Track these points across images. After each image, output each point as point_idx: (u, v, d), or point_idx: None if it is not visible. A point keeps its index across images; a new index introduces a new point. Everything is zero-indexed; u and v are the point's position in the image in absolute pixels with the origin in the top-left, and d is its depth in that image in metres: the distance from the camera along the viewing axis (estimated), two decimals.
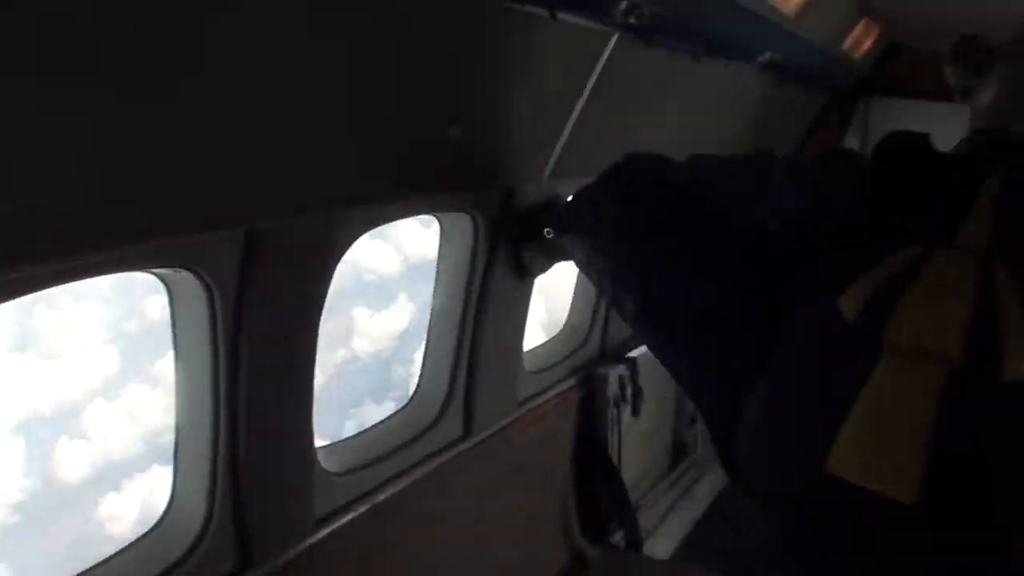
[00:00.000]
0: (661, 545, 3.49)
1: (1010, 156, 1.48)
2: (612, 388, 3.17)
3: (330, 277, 1.88)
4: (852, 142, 5.07)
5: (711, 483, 4.13)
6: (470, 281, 2.38)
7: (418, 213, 2.24)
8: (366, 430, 2.37)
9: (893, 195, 1.51)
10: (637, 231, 1.89)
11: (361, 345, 7.37)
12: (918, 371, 1.30)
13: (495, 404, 2.65)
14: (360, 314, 7.40)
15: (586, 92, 2.31)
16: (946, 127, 4.64)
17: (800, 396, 1.45)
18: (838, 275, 1.41)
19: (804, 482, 1.39)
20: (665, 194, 1.87)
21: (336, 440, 2.27)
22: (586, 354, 3.23)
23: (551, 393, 2.97)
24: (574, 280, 3.26)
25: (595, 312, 3.26)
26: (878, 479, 1.29)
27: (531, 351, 2.97)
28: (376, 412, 6.01)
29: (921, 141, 1.59)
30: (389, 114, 1.74)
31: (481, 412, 2.56)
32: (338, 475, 2.12)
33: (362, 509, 2.15)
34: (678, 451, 3.85)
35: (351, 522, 2.12)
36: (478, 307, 2.41)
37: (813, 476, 1.34)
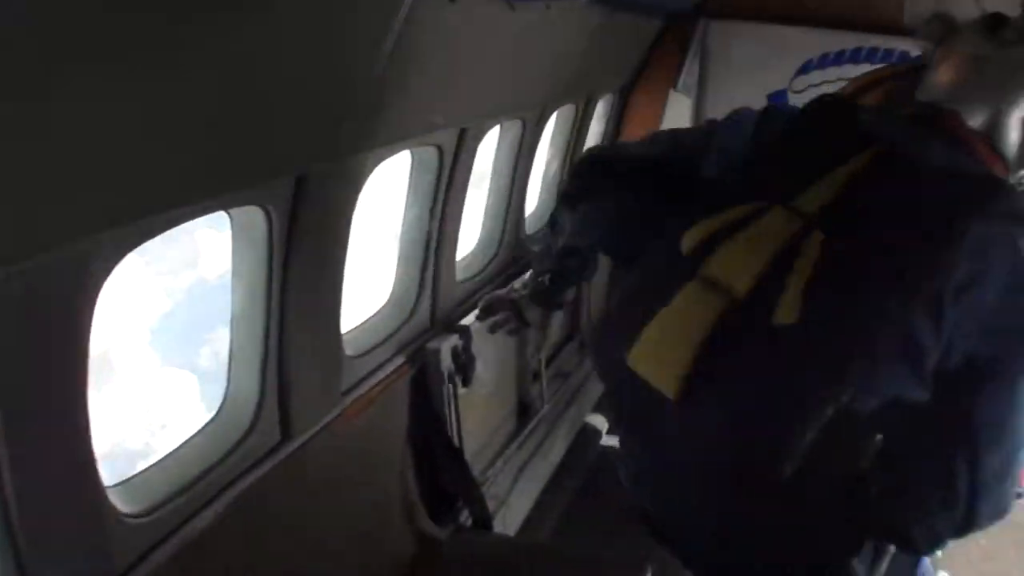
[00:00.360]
0: (512, 516, 3.40)
1: (897, 134, 1.61)
2: (445, 361, 2.99)
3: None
4: (691, 68, 4.98)
5: (561, 438, 4.08)
6: (269, 277, 2.17)
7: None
8: (169, 454, 2.08)
9: (772, 153, 1.71)
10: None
11: (210, 268, 7.02)
12: (708, 297, 1.56)
13: (315, 399, 2.44)
14: (205, 236, 7.02)
15: (383, 57, 2.09)
16: (787, 49, 4.59)
17: (631, 301, 1.73)
18: (696, 214, 1.64)
19: (615, 372, 1.68)
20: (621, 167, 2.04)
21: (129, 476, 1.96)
22: (415, 327, 3.04)
23: (379, 375, 2.75)
24: (396, 247, 3.07)
25: (422, 280, 3.07)
26: (654, 374, 1.58)
27: (352, 332, 2.76)
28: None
29: (843, 109, 1.72)
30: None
31: (299, 411, 2.35)
32: (136, 517, 1.83)
33: (166, 554, 1.88)
34: (524, 411, 3.75)
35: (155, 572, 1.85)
36: (281, 302, 2.21)
37: (622, 368, 1.62)
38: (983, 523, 1.60)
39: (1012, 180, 1.63)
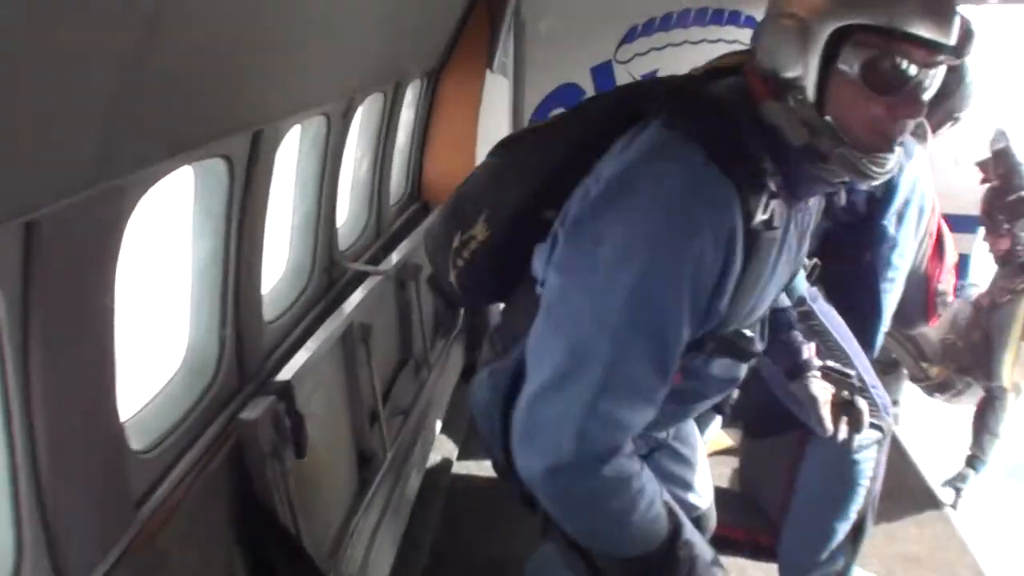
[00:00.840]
0: None
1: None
2: (266, 433, 2.30)
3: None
4: (507, 46, 4.45)
5: (411, 486, 3.49)
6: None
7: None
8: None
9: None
10: None
11: None
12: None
13: (93, 535, 1.73)
14: None
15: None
16: (609, 17, 4.20)
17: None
18: None
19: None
20: None
21: None
22: (220, 393, 2.36)
23: (180, 470, 2.08)
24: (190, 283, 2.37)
25: (223, 323, 2.39)
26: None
27: (137, 417, 2.07)
28: None
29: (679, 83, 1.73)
30: None
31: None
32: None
33: None
34: (365, 464, 3.10)
35: None
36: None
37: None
38: None
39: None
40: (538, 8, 4.46)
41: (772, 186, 1.53)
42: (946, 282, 3.55)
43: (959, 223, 4.56)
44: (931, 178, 3.17)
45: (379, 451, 3.15)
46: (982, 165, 4.27)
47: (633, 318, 1.49)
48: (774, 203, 1.54)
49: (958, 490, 4.26)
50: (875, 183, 1.57)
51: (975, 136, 4.60)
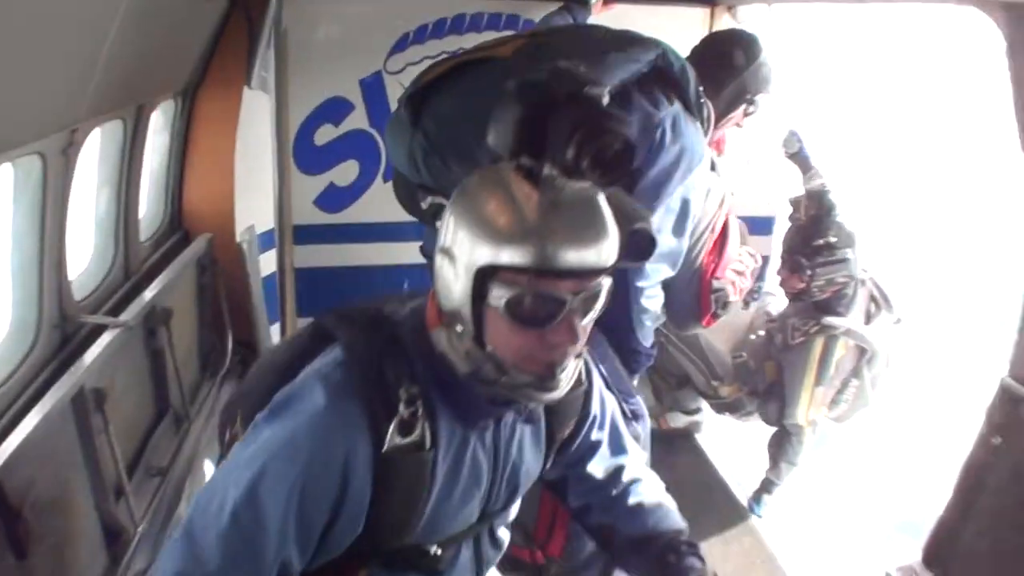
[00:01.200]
0: None
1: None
2: None
3: None
4: (266, 60, 4.12)
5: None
6: None
7: None
8: None
9: None
10: None
11: None
12: None
13: None
14: None
15: None
16: (378, 26, 3.99)
17: None
18: None
19: None
20: None
21: None
22: None
23: None
24: None
25: None
26: None
27: None
28: None
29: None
30: None
31: None
32: None
33: None
34: (113, 539, 2.75)
35: None
36: None
37: None
38: None
39: None
40: (301, 17, 4.13)
41: (415, 411, 1.58)
42: (725, 279, 3.34)
43: (754, 225, 4.58)
44: (706, 170, 3.06)
45: (128, 525, 2.81)
46: (794, 202, 4.27)
47: (238, 514, 1.52)
48: (443, 425, 1.63)
49: (758, 516, 4.37)
50: (551, 401, 1.65)
51: (767, 137, 4.66)
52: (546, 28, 3.05)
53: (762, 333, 4.58)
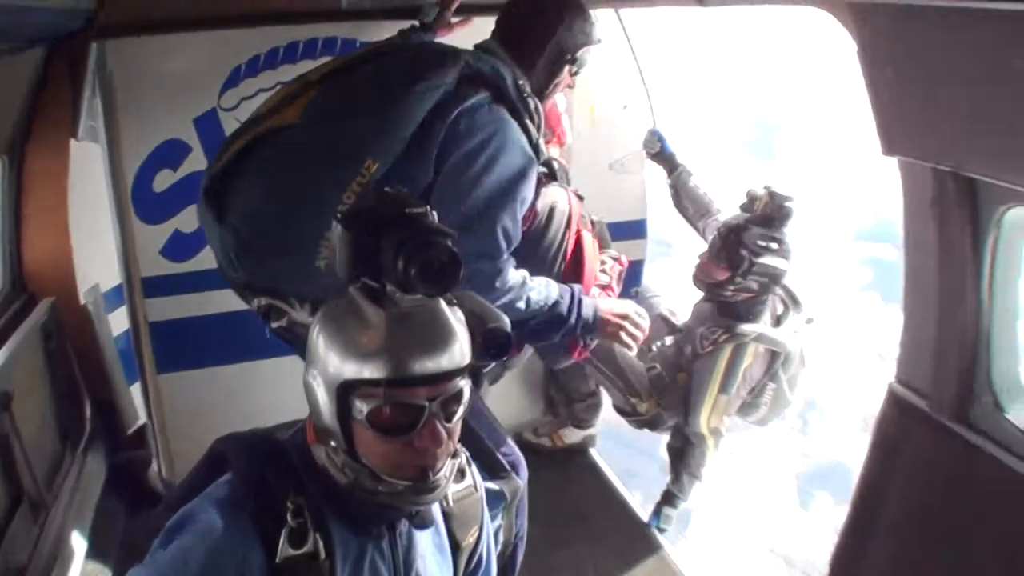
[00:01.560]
0: None
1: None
2: None
3: None
4: (92, 108, 3.87)
5: None
6: None
7: None
8: None
9: None
10: None
11: None
12: None
13: None
14: None
15: None
16: (208, 61, 3.93)
17: None
18: None
19: None
20: None
21: None
22: None
23: None
24: None
25: None
26: None
27: None
28: None
29: None
30: None
31: None
32: None
33: None
34: None
35: None
36: None
37: None
38: None
39: None
40: (126, 58, 3.93)
41: (303, 521, 1.66)
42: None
43: (625, 230, 4.58)
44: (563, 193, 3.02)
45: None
46: (752, 195, 4.20)
47: None
48: (336, 536, 1.70)
49: (661, 531, 4.35)
50: (429, 503, 1.78)
51: (629, 140, 4.69)
52: (344, 60, 2.94)
53: (668, 340, 4.55)
